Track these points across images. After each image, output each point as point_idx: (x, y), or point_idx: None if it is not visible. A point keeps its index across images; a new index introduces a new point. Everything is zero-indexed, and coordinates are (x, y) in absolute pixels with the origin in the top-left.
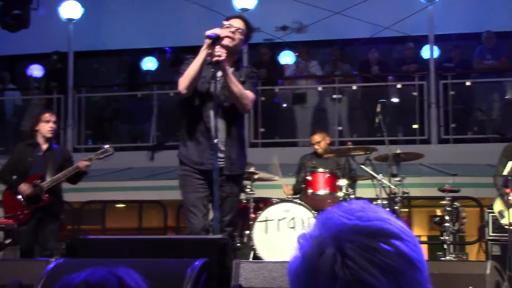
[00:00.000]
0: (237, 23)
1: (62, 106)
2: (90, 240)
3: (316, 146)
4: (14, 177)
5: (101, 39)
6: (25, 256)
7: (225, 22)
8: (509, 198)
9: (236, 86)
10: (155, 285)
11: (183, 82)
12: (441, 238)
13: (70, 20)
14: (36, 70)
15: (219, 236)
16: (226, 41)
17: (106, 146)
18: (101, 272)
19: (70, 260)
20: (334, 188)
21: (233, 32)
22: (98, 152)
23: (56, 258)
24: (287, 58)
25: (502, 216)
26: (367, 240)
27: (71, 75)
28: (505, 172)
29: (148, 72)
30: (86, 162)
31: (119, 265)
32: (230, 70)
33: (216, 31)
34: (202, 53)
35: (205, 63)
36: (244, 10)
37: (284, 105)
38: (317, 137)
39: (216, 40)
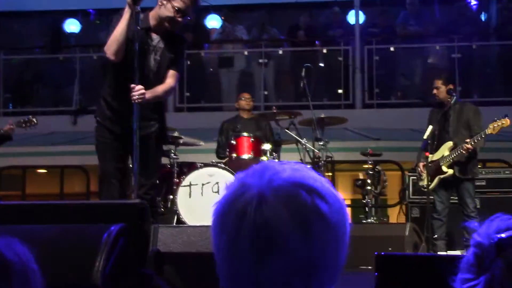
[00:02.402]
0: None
1: None
2: (3, 206)
3: (243, 103)
4: None
5: None
6: None
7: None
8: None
9: (161, 96)
10: (71, 251)
11: (111, 47)
12: (363, 201)
13: None
14: None
15: (137, 200)
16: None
17: (30, 116)
18: None
19: None
20: (259, 153)
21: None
22: (20, 120)
23: None
24: (213, 22)
25: (421, 179)
26: (289, 189)
27: None
28: (425, 136)
29: (71, 34)
30: (11, 126)
31: (1, 237)
32: (158, 40)
33: None
34: (126, 15)
35: (130, 24)
36: None
37: (210, 69)
38: (246, 95)
39: None
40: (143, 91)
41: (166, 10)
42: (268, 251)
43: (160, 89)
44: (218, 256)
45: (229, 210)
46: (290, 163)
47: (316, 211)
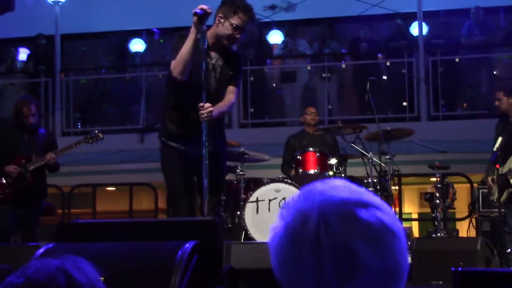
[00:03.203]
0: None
1: (50, 89)
2: (79, 225)
3: (309, 118)
4: None
5: (88, 21)
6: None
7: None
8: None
9: (225, 113)
10: (146, 269)
11: (177, 67)
12: (432, 215)
13: (56, 2)
14: (23, 54)
15: (210, 217)
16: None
17: (96, 131)
18: (47, 269)
19: (60, 245)
20: (325, 167)
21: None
22: (87, 136)
23: (46, 243)
24: (275, 37)
25: (491, 193)
26: (349, 209)
27: (59, 58)
28: (495, 148)
29: (136, 54)
30: (53, 155)
31: (69, 257)
32: (217, 58)
33: (203, 6)
34: (192, 34)
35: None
36: None
37: (273, 85)
38: (312, 109)
39: (203, 16)
40: (211, 108)
41: (224, 28)
42: (350, 272)
43: (223, 105)
44: (292, 285)
45: (294, 241)
46: (333, 181)
47: (379, 223)
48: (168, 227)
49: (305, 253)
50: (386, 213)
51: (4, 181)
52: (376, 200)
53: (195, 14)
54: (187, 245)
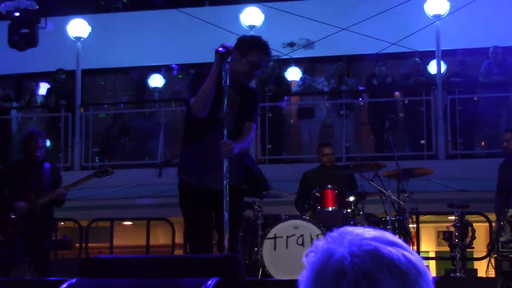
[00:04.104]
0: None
1: (69, 124)
2: (102, 260)
3: (325, 159)
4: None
5: (108, 57)
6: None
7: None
8: None
9: (245, 149)
10: None
11: (199, 104)
12: (452, 254)
13: (78, 38)
14: (43, 88)
15: (232, 254)
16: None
17: (106, 166)
18: None
19: (83, 280)
20: (343, 205)
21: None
22: (97, 171)
23: (67, 278)
24: (293, 74)
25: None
26: (375, 245)
27: (79, 93)
28: None
29: (155, 89)
30: (63, 190)
31: None
32: (235, 95)
33: (225, 44)
34: (214, 72)
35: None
36: (252, 27)
37: (291, 121)
38: (327, 151)
39: (225, 54)
40: (233, 145)
41: (241, 65)
42: None
43: (243, 141)
44: None
45: (319, 273)
46: (363, 228)
47: (406, 261)
48: (190, 263)
49: (329, 284)
50: (413, 253)
51: (14, 216)
52: (404, 244)
53: (217, 52)
54: (210, 282)
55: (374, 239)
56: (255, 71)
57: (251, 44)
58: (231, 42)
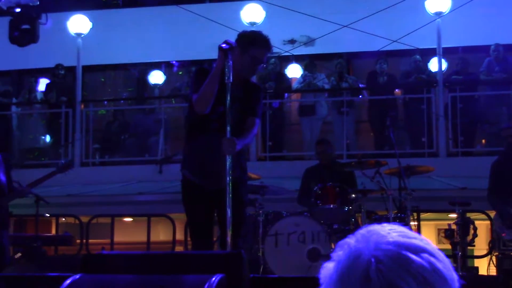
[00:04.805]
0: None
1: (70, 120)
2: (105, 256)
3: (319, 156)
4: None
5: (108, 53)
6: None
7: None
8: None
9: (247, 144)
10: None
11: (201, 101)
12: (454, 252)
13: (78, 34)
14: (43, 84)
15: (235, 251)
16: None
17: (63, 161)
18: None
19: (86, 276)
20: (343, 202)
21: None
22: (59, 166)
23: (71, 274)
24: (294, 71)
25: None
26: (403, 252)
27: (79, 89)
28: None
29: (155, 85)
30: (28, 189)
31: None
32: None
33: (229, 41)
34: (217, 69)
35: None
36: (252, 24)
37: (291, 119)
38: (318, 147)
39: (229, 50)
40: (236, 142)
41: (243, 60)
42: None
43: (246, 137)
44: None
45: (344, 275)
46: (390, 226)
47: (431, 268)
48: (194, 260)
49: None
50: (440, 260)
51: None
52: (432, 247)
53: (221, 49)
54: (214, 278)
55: (399, 244)
56: (257, 66)
57: (252, 39)
58: (232, 39)
